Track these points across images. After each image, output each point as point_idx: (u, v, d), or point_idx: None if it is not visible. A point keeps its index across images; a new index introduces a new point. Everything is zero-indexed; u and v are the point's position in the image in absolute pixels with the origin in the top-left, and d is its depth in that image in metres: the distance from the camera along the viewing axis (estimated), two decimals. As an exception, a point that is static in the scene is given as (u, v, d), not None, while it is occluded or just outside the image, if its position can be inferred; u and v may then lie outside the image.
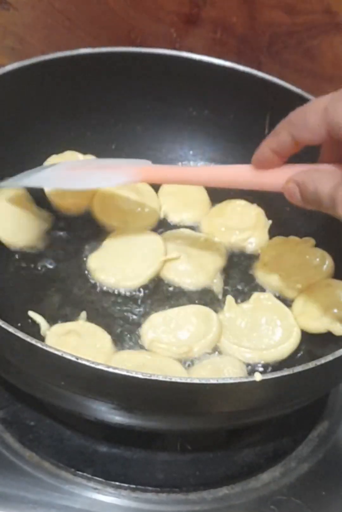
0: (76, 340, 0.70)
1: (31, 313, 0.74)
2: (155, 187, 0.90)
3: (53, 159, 0.88)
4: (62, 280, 0.79)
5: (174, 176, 0.75)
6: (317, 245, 0.84)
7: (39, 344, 0.58)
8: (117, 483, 0.69)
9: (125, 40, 1.03)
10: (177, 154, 0.95)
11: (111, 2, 1.03)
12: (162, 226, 0.87)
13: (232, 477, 0.71)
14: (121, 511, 0.68)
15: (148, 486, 0.69)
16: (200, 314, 0.76)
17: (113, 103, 0.91)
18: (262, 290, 0.81)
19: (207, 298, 0.79)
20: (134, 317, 0.76)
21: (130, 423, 0.64)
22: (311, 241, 0.84)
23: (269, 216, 0.88)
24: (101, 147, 0.91)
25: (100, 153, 0.89)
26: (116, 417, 0.63)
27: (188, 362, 0.72)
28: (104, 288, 0.78)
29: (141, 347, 0.73)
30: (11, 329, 0.59)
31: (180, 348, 0.72)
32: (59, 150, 0.88)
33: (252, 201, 0.89)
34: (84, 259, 0.81)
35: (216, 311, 0.77)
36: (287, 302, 0.79)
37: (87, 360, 0.57)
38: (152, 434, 0.72)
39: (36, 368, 0.62)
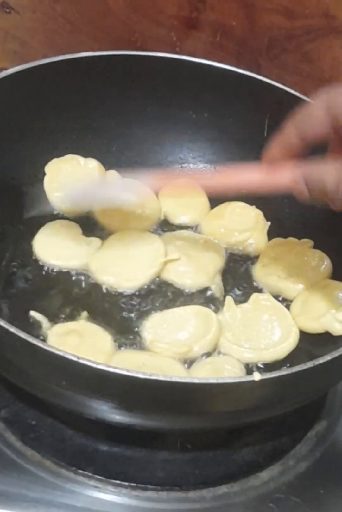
0: (77, 340, 0.71)
1: (33, 313, 0.74)
2: (155, 188, 0.90)
3: (54, 162, 0.88)
4: (64, 280, 0.79)
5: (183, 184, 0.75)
6: (315, 247, 0.85)
7: (40, 344, 0.58)
8: (118, 481, 0.69)
9: (126, 44, 1.04)
10: (176, 156, 0.95)
11: (112, 5, 1.03)
12: (162, 227, 0.88)
13: (231, 475, 0.71)
14: (122, 509, 0.68)
15: (149, 485, 0.69)
16: (199, 314, 0.76)
17: (114, 106, 0.91)
18: (261, 290, 0.81)
19: (206, 298, 0.80)
20: (135, 317, 0.76)
21: (131, 422, 0.64)
22: (310, 242, 0.85)
23: (268, 218, 0.89)
24: (102, 149, 0.91)
25: (101, 156, 0.90)
26: (117, 417, 0.63)
27: (187, 362, 0.72)
28: (105, 288, 0.79)
29: (142, 347, 0.73)
30: (12, 329, 0.59)
31: (179, 348, 0.72)
32: (60, 152, 0.88)
33: (251, 202, 0.89)
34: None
35: (215, 311, 0.77)
36: (286, 303, 0.80)
37: (88, 360, 0.57)
38: (153, 433, 0.72)
39: (37, 368, 0.62)
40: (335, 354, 0.62)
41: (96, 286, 0.79)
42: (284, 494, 0.70)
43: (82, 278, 0.80)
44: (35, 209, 0.86)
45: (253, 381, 0.58)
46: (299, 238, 0.86)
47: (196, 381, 0.58)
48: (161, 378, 0.57)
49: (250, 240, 0.86)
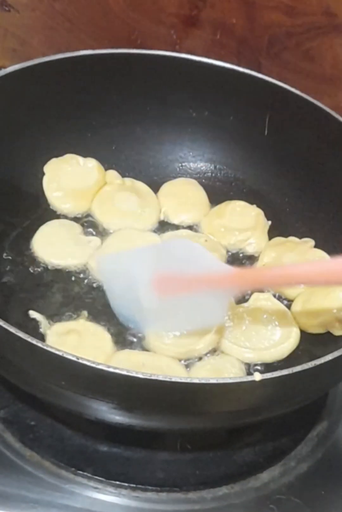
0: (76, 340, 0.71)
1: (32, 312, 0.74)
2: (155, 188, 0.90)
3: (53, 162, 0.88)
4: (63, 279, 0.79)
5: (268, 280, 0.69)
6: (316, 246, 0.84)
7: (39, 344, 0.58)
8: (117, 482, 0.69)
9: (125, 42, 1.03)
10: (176, 155, 0.95)
11: (111, 4, 1.03)
12: (162, 227, 0.87)
13: (231, 476, 0.71)
14: (121, 510, 0.68)
15: (149, 486, 0.69)
16: (199, 314, 0.76)
17: (114, 104, 0.91)
18: (262, 290, 0.81)
19: (206, 298, 0.80)
20: (135, 317, 0.76)
21: (131, 423, 0.64)
22: (310, 242, 0.84)
23: (268, 217, 0.89)
24: (102, 149, 0.91)
25: (101, 155, 0.90)
26: (117, 417, 0.63)
27: (187, 362, 0.72)
28: (105, 288, 0.79)
29: (142, 347, 0.73)
30: (12, 329, 0.59)
31: (179, 348, 0.72)
32: (59, 151, 0.88)
33: (251, 202, 0.89)
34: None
35: (215, 311, 0.77)
36: (287, 303, 0.80)
37: (88, 360, 0.56)
38: (153, 433, 0.71)
39: (36, 368, 0.62)
40: (336, 354, 0.61)
41: (96, 286, 0.79)
42: (284, 495, 0.70)
43: (82, 277, 0.79)
44: (34, 208, 0.86)
45: (254, 381, 0.58)
46: (300, 238, 0.85)
47: (196, 381, 0.58)
48: (161, 378, 0.57)
49: (250, 239, 0.86)
